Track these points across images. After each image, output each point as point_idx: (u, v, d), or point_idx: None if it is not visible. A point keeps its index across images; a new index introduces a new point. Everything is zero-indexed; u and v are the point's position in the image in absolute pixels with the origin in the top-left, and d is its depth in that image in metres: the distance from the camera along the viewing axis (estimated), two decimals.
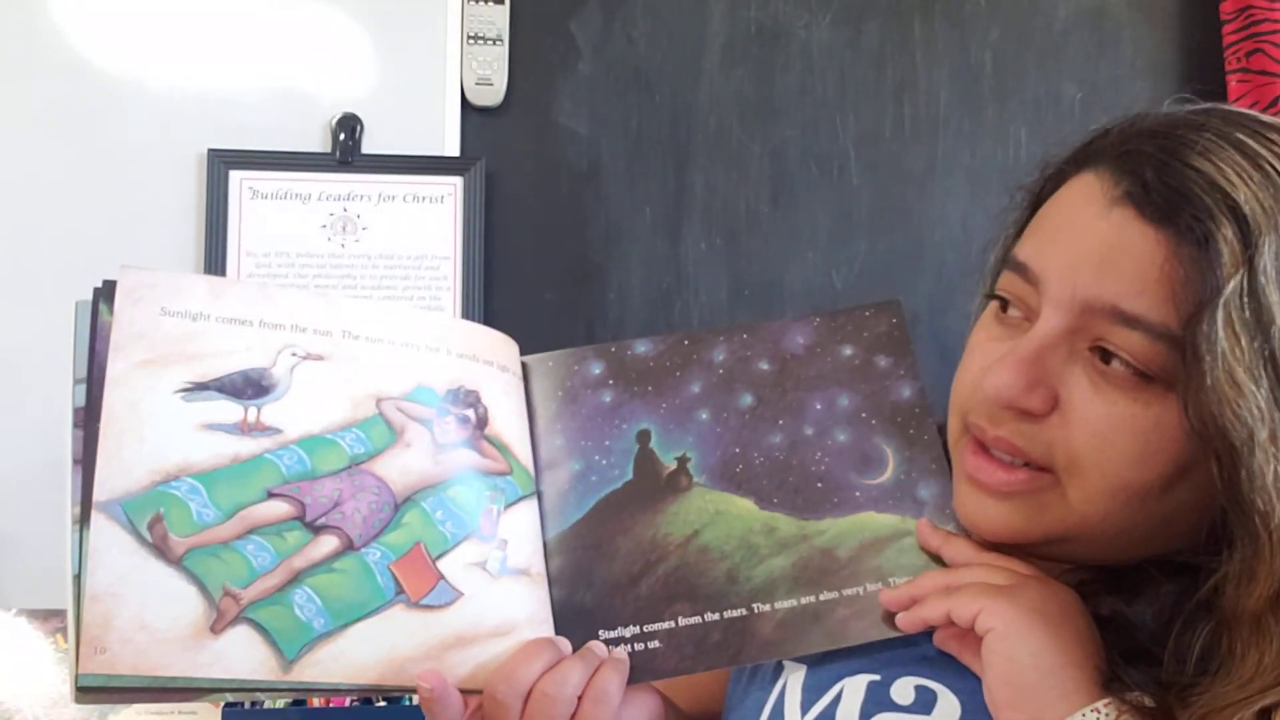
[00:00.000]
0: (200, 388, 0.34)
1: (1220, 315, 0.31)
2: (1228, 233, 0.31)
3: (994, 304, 0.38)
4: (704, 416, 0.42)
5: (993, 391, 0.35)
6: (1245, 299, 0.31)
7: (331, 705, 0.75)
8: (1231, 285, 0.31)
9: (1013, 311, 0.37)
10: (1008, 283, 0.37)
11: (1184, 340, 0.31)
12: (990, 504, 0.36)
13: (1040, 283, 0.35)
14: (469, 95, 0.96)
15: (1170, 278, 0.32)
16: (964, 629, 0.34)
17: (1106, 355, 0.34)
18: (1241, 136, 0.33)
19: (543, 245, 0.98)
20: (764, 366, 0.42)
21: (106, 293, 0.34)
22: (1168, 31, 1.05)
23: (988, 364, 0.36)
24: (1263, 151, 0.32)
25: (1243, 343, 0.31)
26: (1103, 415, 0.34)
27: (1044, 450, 0.35)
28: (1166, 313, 0.32)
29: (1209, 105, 0.35)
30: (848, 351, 0.42)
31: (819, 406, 0.41)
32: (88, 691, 0.30)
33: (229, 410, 0.34)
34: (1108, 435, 0.33)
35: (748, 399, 0.42)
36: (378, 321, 0.38)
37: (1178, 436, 0.33)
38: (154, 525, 0.32)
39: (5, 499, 0.78)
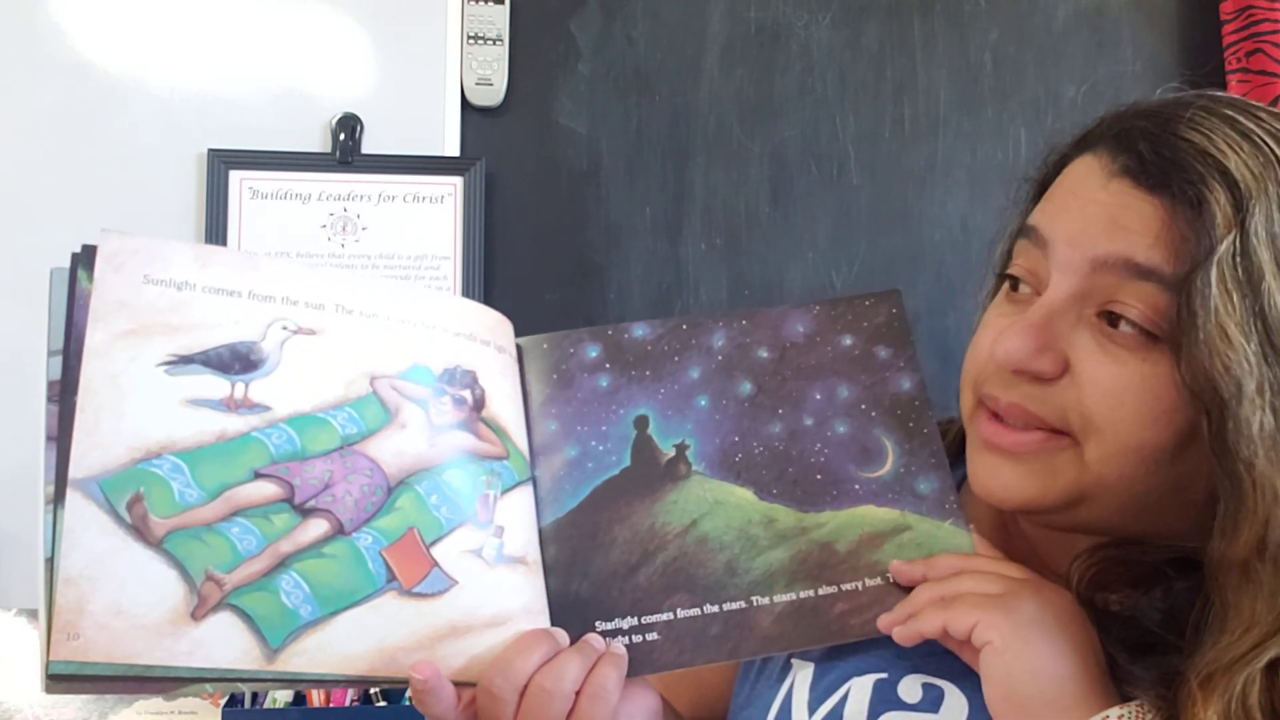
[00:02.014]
0: (185, 361, 0.33)
1: (1214, 273, 0.32)
2: (1220, 197, 0.33)
3: (1005, 285, 0.39)
4: (703, 403, 0.41)
5: (1003, 355, 0.35)
6: (1238, 259, 0.32)
7: (331, 704, 0.74)
8: (1224, 245, 0.32)
9: (1023, 289, 0.38)
10: (1019, 253, 0.38)
11: (1180, 297, 0.32)
12: (1007, 469, 0.36)
13: (1048, 245, 0.36)
14: (469, 95, 0.96)
15: (1170, 238, 0.33)
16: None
17: (1114, 319, 0.35)
18: (1229, 112, 0.35)
19: (543, 245, 0.98)
20: (763, 354, 0.41)
21: (86, 258, 0.32)
22: (1168, 31, 1.05)
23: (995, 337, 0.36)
24: (1251, 125, 0.34)
25: (1234, 299, 0.32)
26: (1112, 376, 0.34)
27: (1058, 414, 0.35)
28: (1174, 266, 0.33)
29: (1199, 91, 0.37)
30: (847, 341, 0.41)
31: (818, 396, 0.41)
32: (59, 680, 0.28)
33: (215, 385, 0.33)
34: (1118, 395, 0.34)
35: (747, 387, 0.41)
36: (372, 296, 0.36)
37: (1187, 395, 0.33)
38: (133, 505, 0.31)
39: (6, 498, 0.77)
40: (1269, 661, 0.31)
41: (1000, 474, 0.36)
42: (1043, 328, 0.35)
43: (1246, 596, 0.32)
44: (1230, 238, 0.32)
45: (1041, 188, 0.40)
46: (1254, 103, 0.35)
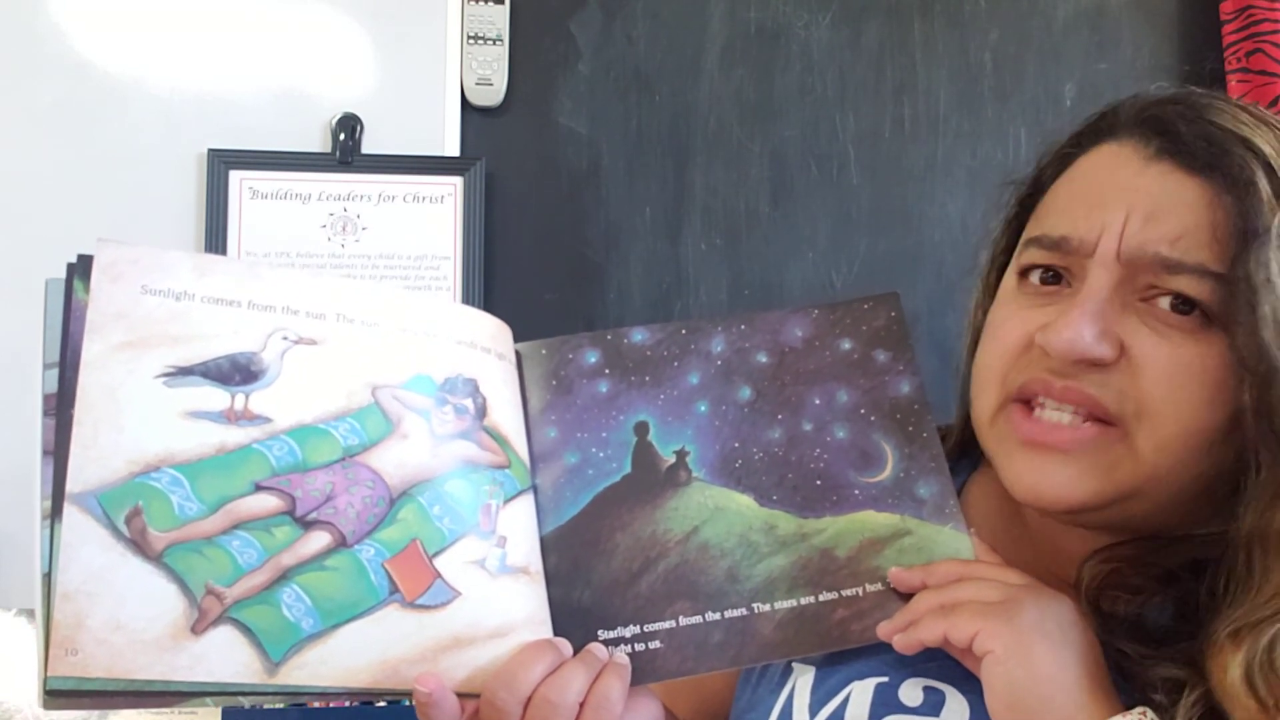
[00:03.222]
0: (184, 372, 0.33)
1: (1271, 250, 0.32)
2: (1263, 179, 0.33)
3: (1011, 280, 0.39)
4: (703, 409, 0.41)
5: (1065, 345, 0.35)
6: None
7: (331, 705, 0.74)
8: (1276, 224, 0.33)
9: (1034, 276, 0.37)
10: (1042, 259, 0.37)
11: (1233, 277, 0.33)
12: (1056, 468, 0.35)
13: (1083, 249, 0.36)
14: (469, 95, 0.95)
15: (1212, 223, 0.34)
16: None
17: (1158, 302, 0.35)
18: (1241, 104, 0.36)
19: (543, 245, 0.98)
20: (762, 359, 0.41)
21: (82, 269, 0.32)
22: (1168, 31, 1.05)
23: (1029, 329, 0.36)
24: (1265, 114, 0.36)
25: None
26: (1169, 357, 0.34)
27: (1115, 398, 0.35)
28: (1208, 255, 0.34)
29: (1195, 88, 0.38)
30: (846, 345, 0.41)
31: (818, 402, 0.40)
32: (57, 696, 0.28)
33: (215, 397, 0.33)
34: (1176, 378, 0.34)
35: (746, 392, 0.41)
36: (373, 304, 0.36)
37: (1239, 373, 0.33)
38: (132, 519, 0.31)
39: (5, 498, 0.77)
40: None
41: (1051, 474, 0.35)
42: (1099, 315, 0.35)
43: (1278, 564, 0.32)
44: (1278, 218, 0.33)
45: (1035, 190, 0.39)
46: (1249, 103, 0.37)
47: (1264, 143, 0.34)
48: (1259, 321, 0.32)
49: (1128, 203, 0.35)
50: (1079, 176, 0.37)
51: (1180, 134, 0.35)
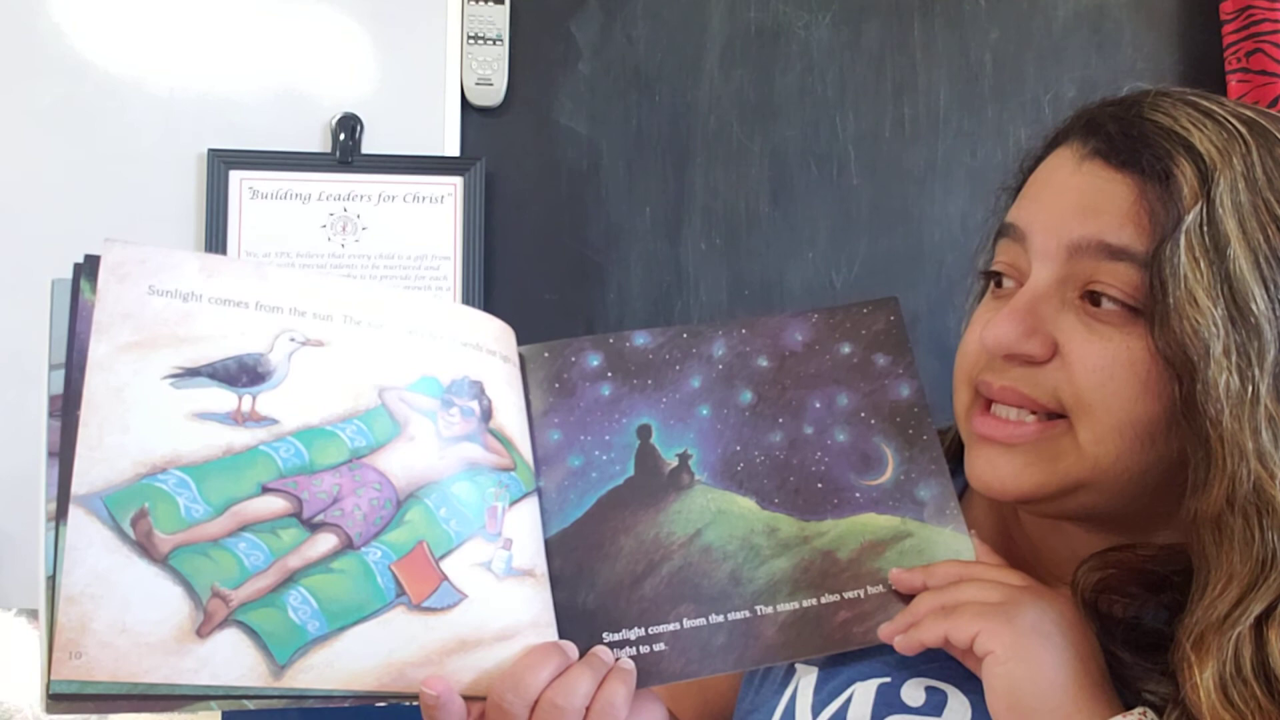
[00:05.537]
0: (191, 374, 0.32)
1: (1183, 242, 0.33)
2: (1186, 170, 0.34)
3: (990, 284, 0.40)
4: (704, 412, 0.41)
5: (993, 341, 0.36)
6: (1205, 228, 0.33)
7: (332, 704, 0.74)
8: (1191, 215, 0.33)
9: (1007, 284, 0.39)
10: (1000, 251, 0.39)
11: (1151, 267, 0.33)
12: (1003, 460, 0.37)
13: (1026, 237, 0.37)
14: (469, 95, 0.95)
15: (1141, 214, 0.34)
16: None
17: (1096, 299, 0.36)
18: (1193, 98, 0.37)
19: (543, 245, 0.98)
20: (763, 363, 0.41)
21: (89, 269, 0.32)
22: (1168, 31, 1.05)
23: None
24: (1214, 107, 0.36)
25: (1202, 266, 0.33)
26: (1099, 352, 0.35)
27: (1050, 395, 0.36)
28: (1145, 244, 0.34)
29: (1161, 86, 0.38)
30: (846, 349, 0.42)
31: (818, 405, 0.41)
32: (60, 699, 0.28)
33: (222, 398, 0.33)
34: (1107, 371, 0.35)
35: (747, 396, 0.41)
36: (380, 306, 0.36)
37: (1164, 363, 0.34)
38: (138, 521, 0.30)
39: (5, 498, 0.77)
40: (1255, 618, 0.32)
41: (998, 467, 0.37)
42: (1028, 312, 0.36)
43: (1224, 551, 0.33)
44: (1197, 208, 0.33)
45: (1016, 193, 0.40)
46: (1214, 95, 0.37)
47: (1200, 136, 0.34)
48: (1169, 313, 0.33)
49: (1062, 199, 0.36)
50: (1033, 181, 0.39)
51: (1109, 133, 0.36)
